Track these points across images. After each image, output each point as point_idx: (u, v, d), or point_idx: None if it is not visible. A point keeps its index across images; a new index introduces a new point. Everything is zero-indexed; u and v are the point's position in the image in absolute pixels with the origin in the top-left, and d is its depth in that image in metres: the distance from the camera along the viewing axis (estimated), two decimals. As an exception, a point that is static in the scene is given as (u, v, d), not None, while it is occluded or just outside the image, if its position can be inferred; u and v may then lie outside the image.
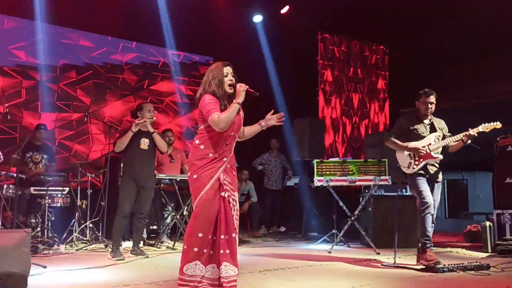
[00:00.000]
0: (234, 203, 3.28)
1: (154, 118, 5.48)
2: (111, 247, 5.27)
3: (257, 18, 9.12)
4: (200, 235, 3.17)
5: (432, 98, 4.87)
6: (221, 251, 3.19)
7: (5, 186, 5.67)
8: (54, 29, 7.93)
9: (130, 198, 5.27)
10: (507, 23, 7.73)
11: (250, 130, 3.53)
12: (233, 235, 3.23)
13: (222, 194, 3.23)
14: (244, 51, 8.61)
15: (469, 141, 4.67)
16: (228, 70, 3.36)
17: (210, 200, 3.20)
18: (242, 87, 3.27)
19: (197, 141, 3.36)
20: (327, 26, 9.73)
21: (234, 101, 3.26)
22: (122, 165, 5.40)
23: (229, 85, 3.32)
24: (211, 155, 3.27)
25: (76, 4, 7.72)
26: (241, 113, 3.39)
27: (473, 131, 4.63)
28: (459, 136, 4.73)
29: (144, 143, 5.33)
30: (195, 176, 3.27)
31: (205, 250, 3.19)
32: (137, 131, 5.30)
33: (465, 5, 7.79)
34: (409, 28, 9.03)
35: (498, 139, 6.13)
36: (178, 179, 6.20)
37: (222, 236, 3.20)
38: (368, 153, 7.65)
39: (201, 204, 3.22)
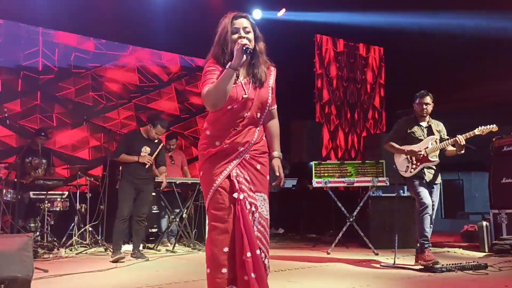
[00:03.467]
0: (254, 209, 2.42)
1: (151, 162, 5.43)
2: (112, 250, 5.29)
3: (257, 14, 8.97)
4: (226, 249, 2.38)
5: (428, 99, 4.92)
6: (245, 277, 2.35)
7: (4, 190, 5.68)
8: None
9: (129, 201, 5.31)
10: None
11: (272, 136, 2.62)
12: (257, 252, 2.38)
13: (235, 195, 2.40)
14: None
15: (462, 151, 4.67)
16: (241, 23, 2.46)
17: (221, 204, 2.42)
18: (238, 45, 2.36)
19: (205, 124, 2.57)
20: (323, 28, 9.77)
21: (228, 65, 2.35)
22: (120, 168, 5.44)
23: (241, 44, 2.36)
24: (217, 143, 2.46)
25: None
26: (270, 87, 2.52)
27: (460, 137, 4.60)
28: (448, 141, 4.74)
29: (145, 151, 5.40)
30: (201, 173, 2.53)
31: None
32: (139, 138, 5.43)
33: (459, 6, 7.87)
34: (406, 28, 9.09)
35: (493, 139, 6.20)
36: (178, 182, 6.24)
37: (248, 254, 2.35)
38: (365, 155, 7.71)
39: (212, 211, 2.45)
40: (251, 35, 2.48)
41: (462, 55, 8.61)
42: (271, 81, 2.55)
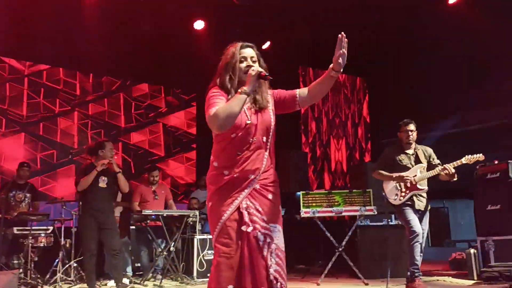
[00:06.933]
0: (270, 240, 2.35)
1: (115, 157, 5.43)
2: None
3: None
4: (230, 287, 2.29)
5: (411, 126, 5.06)
6: None
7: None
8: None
9: (92, 236, 5.16)
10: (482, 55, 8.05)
11: (321, 85, 2.55)
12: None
13: (243, 228, 2.33)
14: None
15: (455, 178, 4.73)
16: (247, 52, 2.49)
17: (228, 238, 2.33)
18: (253, 71, 2.37)
19: (211, 157, 2.53)
20: (307, 60, 9.94)
21: (239, 89, 2.34)
22: (80, 203, 5.34)
23: (246, 72, 2.41)
24: (226, 173, 2.41)
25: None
26: (271, 110, 2.53)
27: (449, 166, 4.68)
28: (437, 170, 4.81)
29: (102, 181, 5.28)
30: (210, 205, 2.45)
31: None
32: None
33: (444, 36, 8.09)
34: (390, 58, 9.28)
35: (477, 167, 6.27)
36: (165, 214, 6.18)
37: None
38: (352, 184, 7.74)
39: (219, 246, 2.35)
40: (257, 65, 2.49)
41: (445, 83, 8.79)
42: (271, 109, 2.53)
